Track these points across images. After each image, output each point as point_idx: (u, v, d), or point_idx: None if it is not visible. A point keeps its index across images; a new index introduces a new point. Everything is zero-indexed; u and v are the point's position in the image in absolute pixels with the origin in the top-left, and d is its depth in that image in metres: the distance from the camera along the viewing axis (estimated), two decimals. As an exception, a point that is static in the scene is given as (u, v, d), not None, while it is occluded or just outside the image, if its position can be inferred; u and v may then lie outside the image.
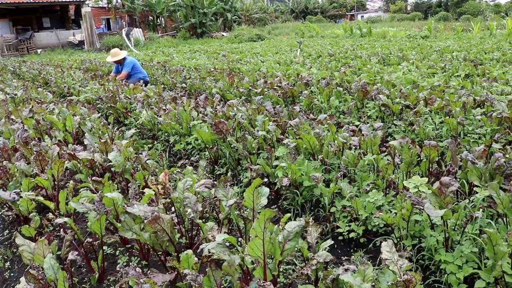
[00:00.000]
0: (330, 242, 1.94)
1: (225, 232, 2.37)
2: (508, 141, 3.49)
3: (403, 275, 1.57)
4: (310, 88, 5.79)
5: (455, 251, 1.98)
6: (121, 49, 8.98)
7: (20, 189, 2.88)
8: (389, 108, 4.39)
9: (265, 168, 3.05)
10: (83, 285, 2.27)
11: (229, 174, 3.49)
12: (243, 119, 3.87)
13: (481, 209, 2.19)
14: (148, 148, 4.46)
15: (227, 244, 1.79)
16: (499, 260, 1.70)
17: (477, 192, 2.30)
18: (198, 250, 2.04)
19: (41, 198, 2.68)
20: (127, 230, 2.10)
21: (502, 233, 1.96)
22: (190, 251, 1.90)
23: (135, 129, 4.75)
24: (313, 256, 1.79)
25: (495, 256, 1.71)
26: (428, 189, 2.24)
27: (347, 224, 2.51)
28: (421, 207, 2.01)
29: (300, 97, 5.31)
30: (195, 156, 4.02)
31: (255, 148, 3.41)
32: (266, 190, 2.21)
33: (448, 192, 1.97)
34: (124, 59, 8.03)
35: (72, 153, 3.33)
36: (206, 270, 1.75)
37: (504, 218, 2.06)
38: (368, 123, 4.34)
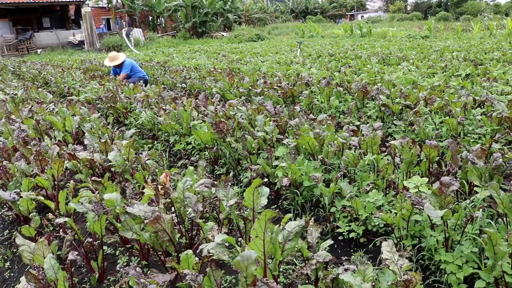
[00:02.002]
0: (329, 242, 1.94)
1: (225, 232, 2.37)
2: (508, 141, 3.49)
3: (403, 275, 1.57)
4: (310, 88, 5.79)
5: (455, 251, 1.98)
6: (118, 51, 8.86)
7: (20, 189, 2.88)
8: (389, 108, 4.39)
9: (265, 168, 3.05)
10: (83, 285, 2.27)
11: (230, 174, 3.49)
12: (243, 119, 3.87)
13: (481, 209, 2.19)
14: (148, 148, 4.45)
15: (227, 244, 1.79)
16: (499, 260, 1.70)
17: (477, 192, 2.30)
18: (198, 251, 2.04)
19: (41, 198, 2.68)
20: (127, 230, 2.10)
21: (502, 233, 1.96)
22: (190, 251, 1.90)
23: (135, 129, 4.74)
24: (313, 256, 1.79)
25: (495, 256, 1.71)
26: (428, 189, 2.24)
27: (347, 224, 2.51)
28: (421, 207, 2.02)
29: (300, 97, 5.31)
30: (195, 156, 4.01)
31: (255, 148, 3.41)
32: (266, 190, 2.21)
33: (448, 192, 1.97)
34: (123, 62, 7.92)
35: (72, 153, 3.33)
36: (206, 270, 1.75)
37: (504, 218, 2.06)
38: (368, 123, 4.34)
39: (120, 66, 7.97)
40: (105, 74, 9.80)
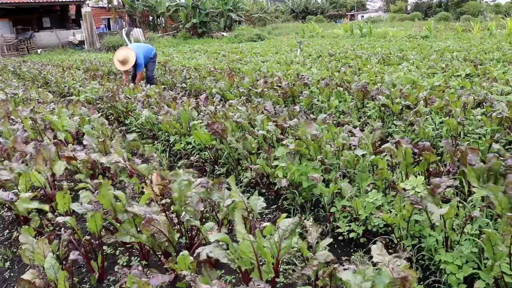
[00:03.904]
0: (329, 240, 1.93)
1: (225, 233, 2.36)
2: (508, 141, 3.49)
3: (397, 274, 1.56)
4: (310, 88, 5.79)
5: (455, 251, 1.97)
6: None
7: (18, 188, 2.87)
8: (389, 108, 4.39)
9: (265, 168, 3.05)
10: (83, 285, 2.27)
11: (224, 174, 3.49)
12: (242, 119, 3.87)
13: (479, 209, 2.18)
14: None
15: (225, 246, 1.79)
16: (498, 260, 1.70)
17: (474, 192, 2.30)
18: (196, 252, 2.04)
19: (36, 203, 2.65)
20: (125, 234, 2.10)
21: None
22: (186, 252, 1.89)
23: (135, 129, 4.74)
24: (313, 256, 1.79)
25: (494, 257, 1.71)
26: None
27: (347, 224, 2.51)
28: (419, 206, 2.01)
29: (300, 97, 5.31)
30: (195, 156, 4.01)
31: (254, 148, 3.40)
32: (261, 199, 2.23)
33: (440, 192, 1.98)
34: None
35: (72, 153, 3.33)
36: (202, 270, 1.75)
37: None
38: (368, 123, 4.34)
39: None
40: (105, 74, 9.80)
